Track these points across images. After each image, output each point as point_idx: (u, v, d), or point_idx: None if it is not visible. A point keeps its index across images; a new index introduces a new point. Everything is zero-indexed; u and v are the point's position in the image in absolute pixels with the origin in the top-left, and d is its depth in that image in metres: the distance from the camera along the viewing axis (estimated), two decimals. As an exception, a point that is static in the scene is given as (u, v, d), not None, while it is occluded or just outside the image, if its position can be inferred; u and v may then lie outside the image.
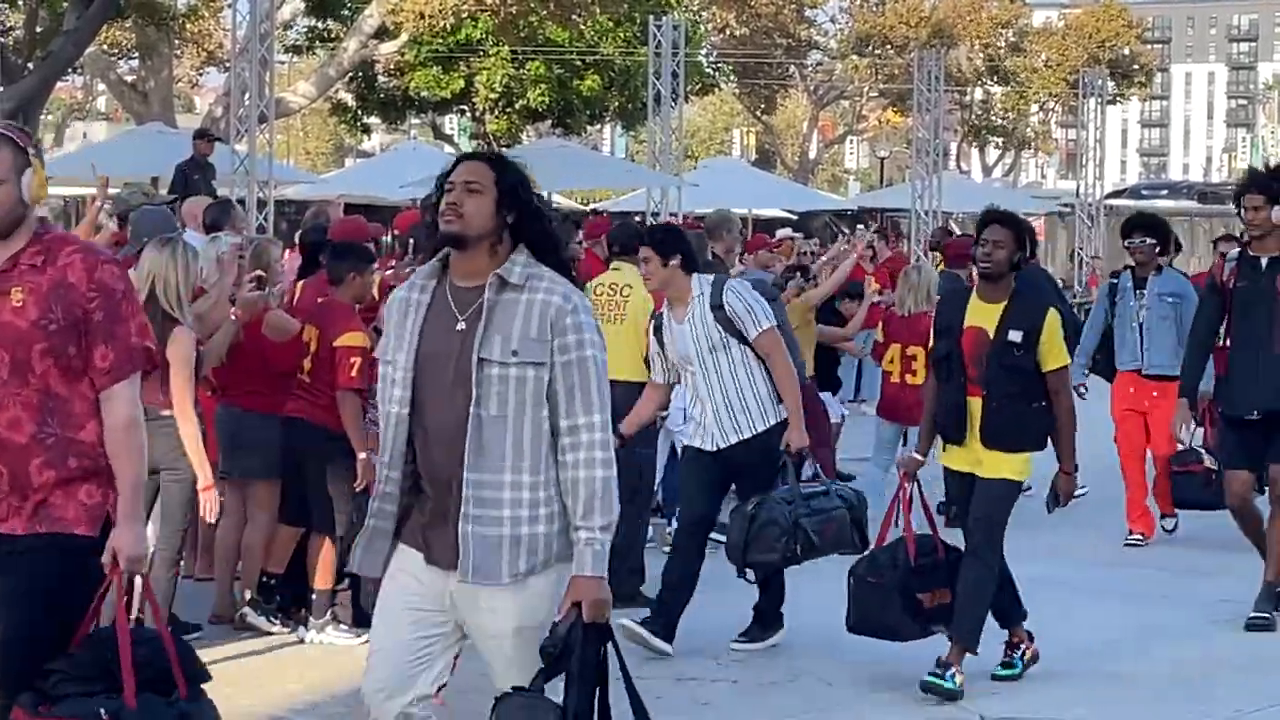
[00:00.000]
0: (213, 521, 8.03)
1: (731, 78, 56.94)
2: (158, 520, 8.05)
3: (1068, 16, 68.59)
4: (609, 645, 4.73)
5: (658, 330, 8.60)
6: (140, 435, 4.93)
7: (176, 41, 35.73)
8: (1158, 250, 11.43)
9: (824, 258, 14.46)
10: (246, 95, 22.43)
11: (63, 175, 29.40)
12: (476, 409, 4.69)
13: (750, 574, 8.37)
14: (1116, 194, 44.50)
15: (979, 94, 65.41)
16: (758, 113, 63.63)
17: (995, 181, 64.86)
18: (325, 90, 33.21)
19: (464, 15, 31.22)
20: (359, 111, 40.38)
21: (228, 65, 28.08)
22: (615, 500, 4.77)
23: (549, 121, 39.82)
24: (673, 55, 27.49)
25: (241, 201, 20.70)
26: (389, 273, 10.20)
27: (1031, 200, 46.06)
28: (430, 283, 4.87)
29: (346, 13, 33.91)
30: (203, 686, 5.06)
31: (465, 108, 40.31)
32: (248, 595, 8.77)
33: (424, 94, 38.10)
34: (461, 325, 4.75)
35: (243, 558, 8.86)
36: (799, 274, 12.55)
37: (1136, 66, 65.12)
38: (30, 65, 22.04)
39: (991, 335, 7.77)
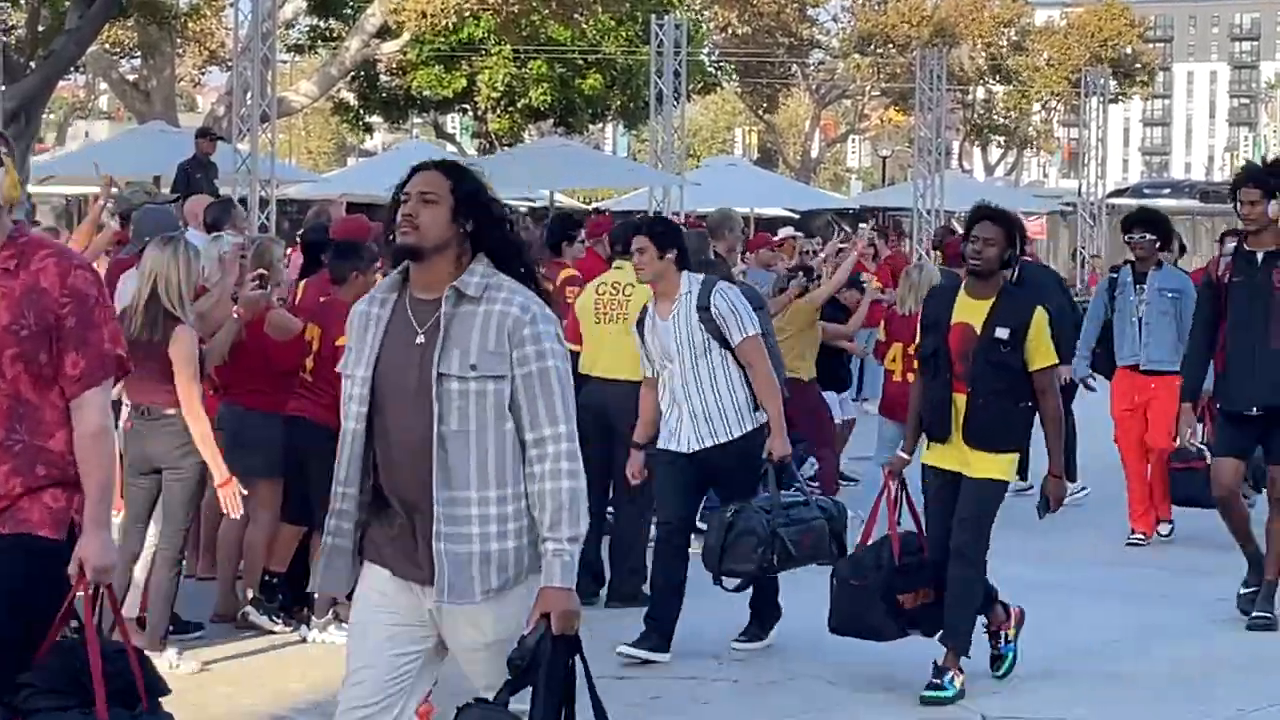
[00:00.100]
0: (237, 516, 8.02)
1: (733, 77, 56.93)
2: (160, 519, 8.06)
3: (1070, 15, 68.54)
4: (577, 658, 4.67)
5: (640, 324, 8.53)
6: (110, 443, 4.83)
7: (178, 40, 35.73)
8: (1157, 245, 11.42)
9: (822, 254, 14.46)
10: (248, 94, 22.43)
11: (65, 174, 29.51)
12: (440, 425, 4.62)
13: (726, 582, 8.29)
14: (1118, 193, 44.49)
15: (981, 93, 65.40)
16: (760, 112, 63.63)
17: (997, 180, 64.84)
18: (327, 89, 33.22)
19: (466, 14, 31.23)
20: (361, 110, 40.39)
21: (230, 64, 28.07)
22: (583, 511, 4.69)
23: (551, 120, 39.82)
24: (675, 54, 27.49)
25: (243, 201, 20.72)
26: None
27: (1033, 199, 46.06)
28: (390, 296, 4.78)
29: (348, 12, 33.93)
30: (160, 700, 4.93)
31: (467, 107, 40.33)
32: (250, 594, 8.78)
33: (426, 93, 38.12)
34: (420, 339, 4.67)
35: (245, 557, 8.87)
36: (802, 273, 12.52)
37: (1138, 65, 65.09)
38: (32, 64, 22.06)
39: (979, 331, 7.71)
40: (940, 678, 7.68)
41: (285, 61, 43.35)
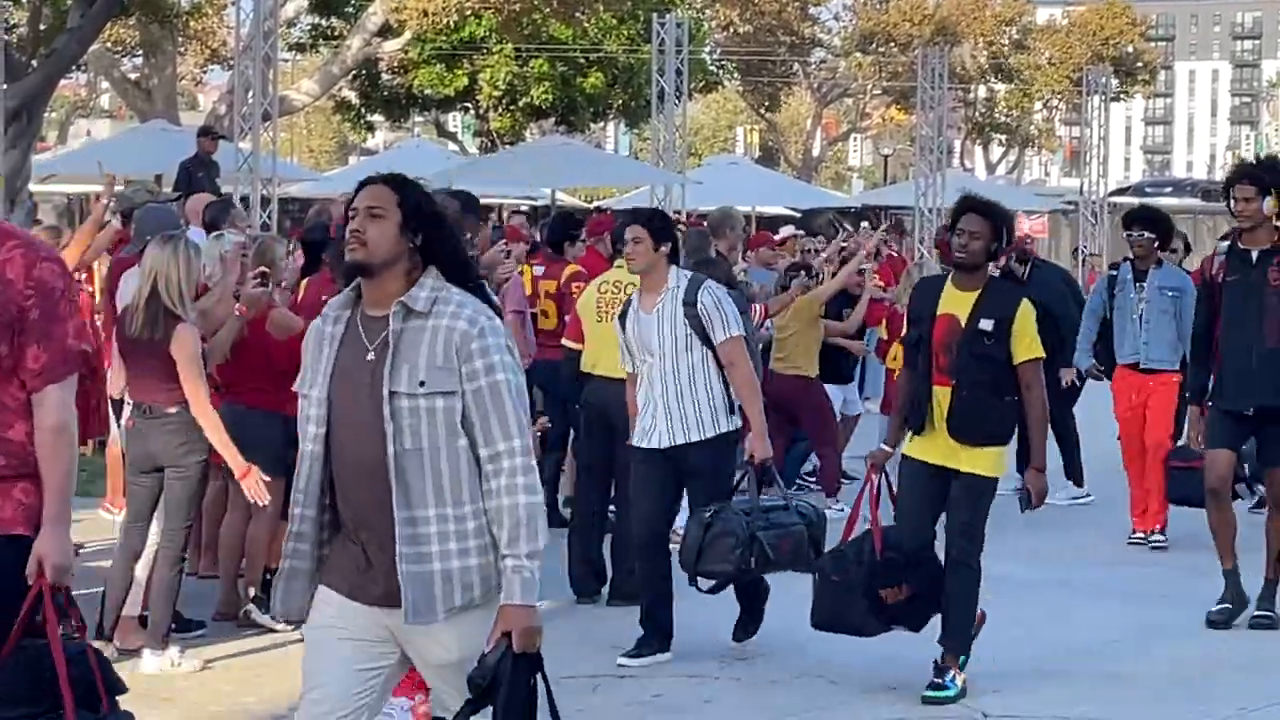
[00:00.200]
0: (265, 503, 8.01)
1: (735, 75, 56.87)
2: (161, 518, 8.07)
3: (1071, 14, 68.52)
4: (539, 677, 4.59)
5: (622, 317, 8.48)
6: (70, 440, 4.75)
7: (180, 39, 35.72)
8: (1156, 244, 11.37)
9: (823, 255, 14.46)
10: (250, 93, 22.43)
11: (66, 173, 29.53)
12: (394, 444, 4.56)
13: (700, 583, 8.21)
14: (1120, 191, 44.42)
15: (983, 91, 65.35)
16: (761, 110, 63.58)
17: (999, 179, 64.72)
18: (329, 88, 33.21)
19: (467, 13, 31.20)
20: (362, 109, 40.38)
21: (231, 63, 28.04)
22: (543, 526, 4.63)
23: (552, 119, 39.80)
24: (676, 53, 27.47)
25: (245, 199, 20.72)
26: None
27: (1035, 198, 46.01)
28: (344, 313, 4.73)
29: (350, 10, 33.92)
30: (118, 699, 4.87)
31: (469, 105, 40.30)
32: (251, 593, 8.78)
33: (427, 91, 38.11)
34: (371, 356, 4.62)
35: (246, 555, 8.88)
36: (803, 272, 12.52)
37: (1140, 64, 65.04)
38: (34, 63, 22.05)
39: (963, 323, 7.64)
40: (942, 677, 7.68)
41: (287, 60, 43.32)
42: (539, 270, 12.04)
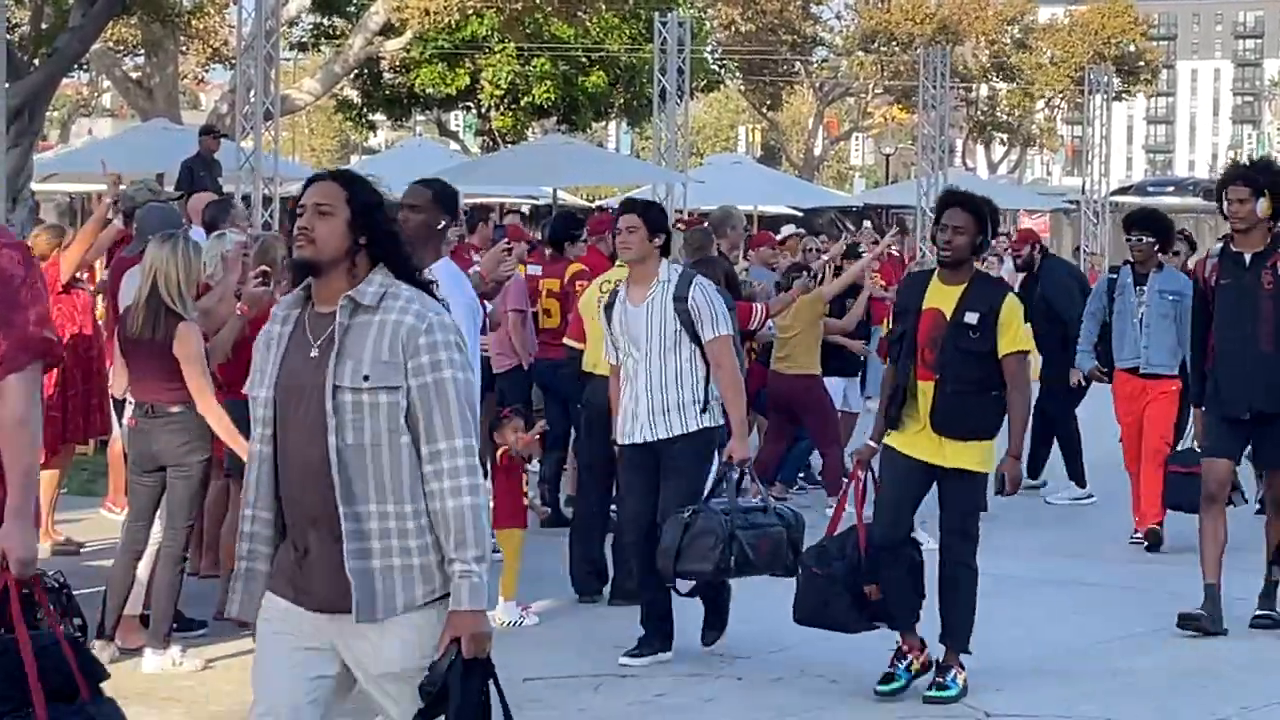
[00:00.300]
0: None
1: (737, 74, 56.89)
2: (163, 517, 8.07)
3: (1073, 13, 68.50)
4: (492, 684, 4.49)
5: (608, 308, 8.40)
6: (34, 430, 4.64)
7: (182, 38, 35.69)
8: (1157, 248, 11.28)
9: (825, 256, 14.45)
10: (252, 92, 22.41)
11: (68, 172, 29.51)
12: (336, 439, 4.49)
13: (680, 585, 8.15)
14: (1122, 191, 44.43)
15: (985, 91, 65.38)
16: (763, 109, 63.59)
17: (1001, 178, 64.76)
18: (330, 87, 33.20)
19: (469, 12, 31.19)
20: (364, 108, 40.38)
21: (233, 62, 28.04)
22: (487, 528, 4.54)
23: (554, 118, 39.77)
24: (678, 52, 27.46)
25: (246, 198, 20.71)
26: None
27: (1037, 197, 46.08)
28: (293, 312, 4.67)
29: (352, 9, 33.91)
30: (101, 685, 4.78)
31: (470, 104, 40.28)
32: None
33: (429, 90, 38.10)
34: (315, 354, 4.56)
35: (248, 554, 8.86)
36: (805, 273, 12.50)
37: (1142, 63, 65.05)
38: (36, 62, 22.03)
39: (948, 317, 7.58)
40: (943, 676, 7.67)
41: (288, 59, 43.31)
42: (534, 270, 12.04)
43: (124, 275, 9.33)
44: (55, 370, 10.52)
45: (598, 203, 37.87)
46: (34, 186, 23.34)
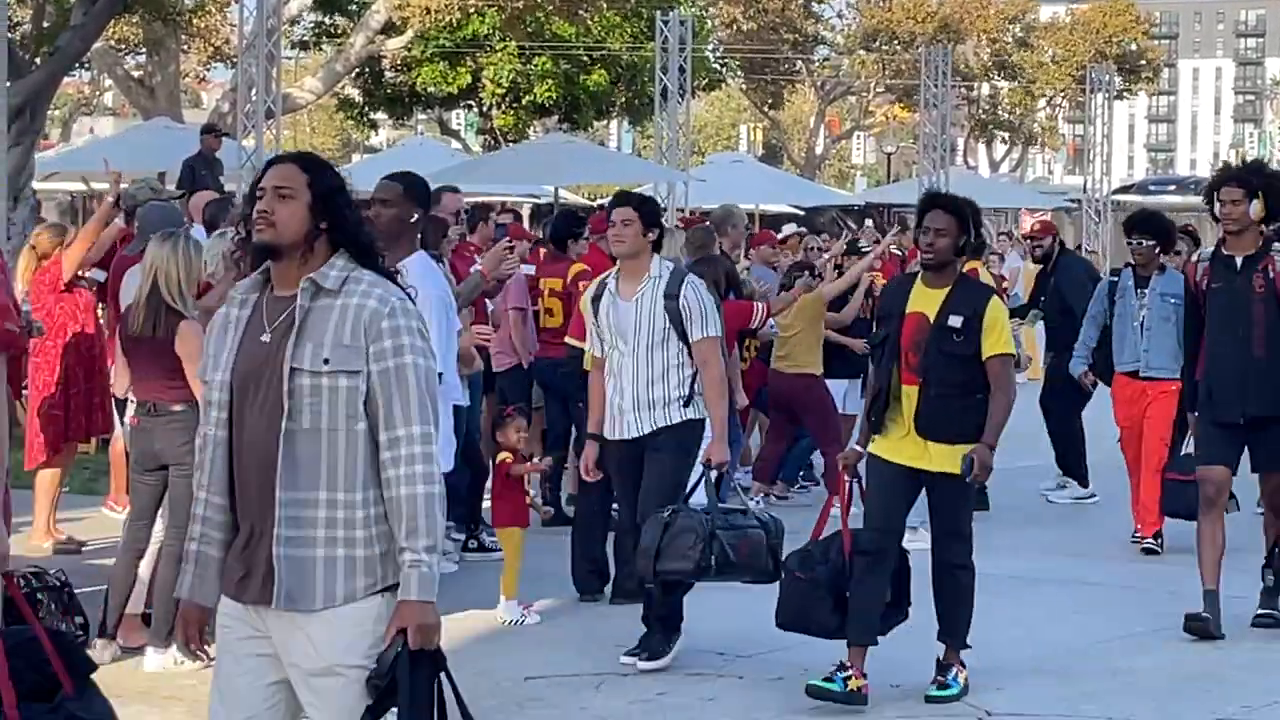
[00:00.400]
0: None
1: (738, 73, 56.90)
2: (165, 516, 8.07)
3: (1075, 12, 68.53)
4: (444, 677, 4.40)
5: (595, 300, 8.34)
6: (1, 423, 4.53)
7: (183, 37, 35.71)
8: (1158, 250, 11.20)
9: (827, 254, 14.45)
10: (253, 91, 22.43)
11: (69, 170, 29.51)
12: (289, 422, 4.40)
13: (654, 588, 8.05)
14: (1124, 189, 44.44)
15: (986, 89, 65.40)
16: (765, 108, 63.62)
17: (1002, 177, 64.74)
18: (332, 86, 33.21)
19: (470, 10, 31.20)
20: (366, 107, 40.37)
21: (235, 61, 28.04)
22: (441, 519, 4.44)
23: (555, 117, 39.77)
24: (680, 50, 27.47)
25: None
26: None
27: (1039, 196, 46.00)
28: (252, 296, 4.59)
29: (353, 8, 33.91)
30: (92, 677, 4.72)
31: (472, 103, 40.28)
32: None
33: (431, 89, 38.09)
34: (267, 338, 4.48)
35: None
36: (807, 272, 12.50)
37: (1144, 62, 65.07)
38: (37, 60, 22.03)
39: (932, 320, 7.51)
40: (945, 675, 7.66)
41: (290, 58, 43.32)
42: (528, 269, 12.04)
43: (125, 274, 9.33)
44: (57, 369, 10.55)
45: (599, 201, 37.86)
46: (35, 185, 23.33)
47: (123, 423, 9.21)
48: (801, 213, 36.42)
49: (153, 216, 9.82)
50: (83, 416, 10.67)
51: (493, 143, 38.90)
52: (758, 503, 12.37)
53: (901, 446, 7.58)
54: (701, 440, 8.25)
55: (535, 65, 37.21)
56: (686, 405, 8.17)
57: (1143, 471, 11.21)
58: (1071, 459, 13.27)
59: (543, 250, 13.20)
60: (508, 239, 11.80)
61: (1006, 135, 69.51)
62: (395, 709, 4.35)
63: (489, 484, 9.88)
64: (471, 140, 45.84)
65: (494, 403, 11.34)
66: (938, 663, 7.70)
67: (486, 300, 10.98)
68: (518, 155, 28.31)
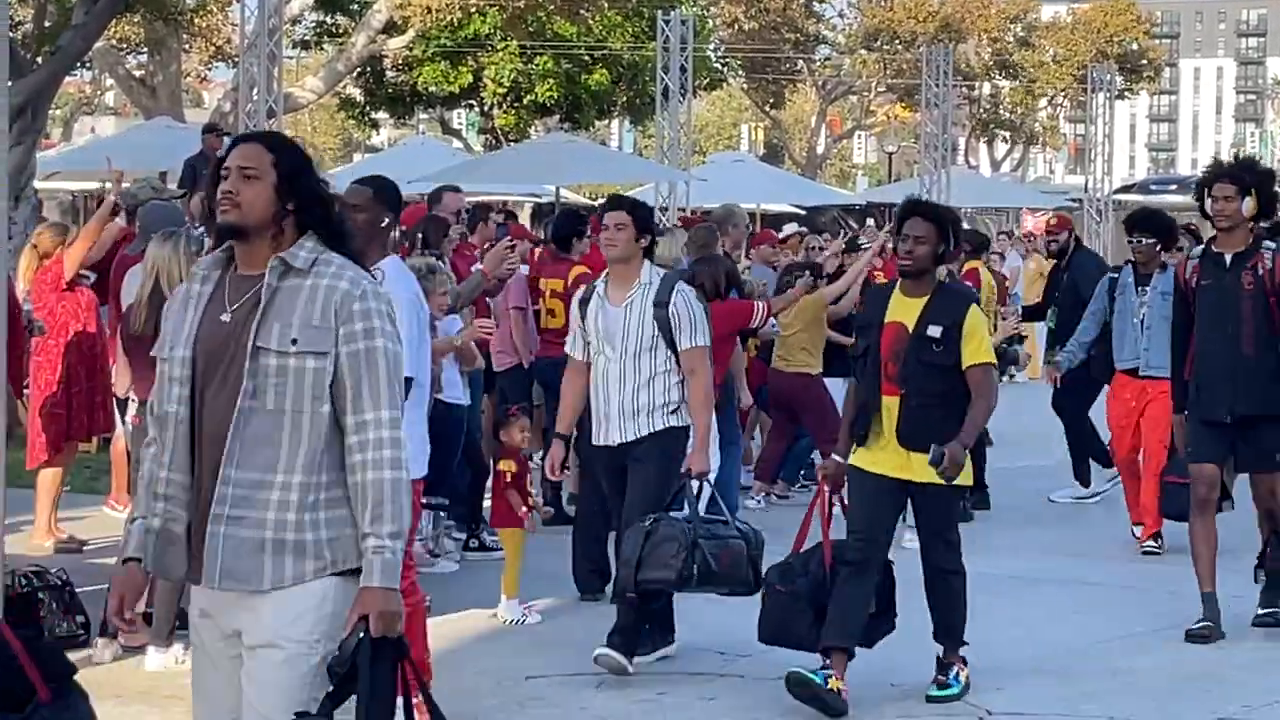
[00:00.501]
0: None
1: (740, 73, 56.89)
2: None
3: (1076, 11, 68.51)
4: (406, 665, 4.35)
5: (583, 303, 8.28)
6: None
7: (185, 36, 35.71)
8: (1159, 249, 11.17)
9: (828, 251, 14.46)
10: (255, 90, 22.41)
11: (71, 170, 29.52)
12: (249, 400, 4.33)
13: (634, 599, 7.96)
14: (1125, 189, 44.39)
15: (987, 89, 65.39)
16: (766, 108, 63.61)
17: (1004, 176, 64.76)
18: (333, 85, 33.20)
19: (472, 10, 31.17)
20: (367, 106, 40.37)
21: (236, 60, 28.05)
22: (407, 505, 4.38)
23: (557, 116, 39.76)
24: (681, 50, 27.46)
25: (249, 196, 20.69)
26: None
27: (1040, 195, 46.06)
28: (214, 273, 4.51)
29: (354, 7, 33.92)
30: (75, 678, 4.65)
31: (473, 102, 40.27)
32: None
33: (432, 89, 38.09)
34: (227, 318, 4.41)
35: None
36: (809, 272, 12.48)
37: (1145, 61, 65.04)
38: (39, 60, 22.03)
39: (910, 330, 7.46)
40: (946, 674, 7.67)
41: (291, 57, 43.32)
42: (524, 270, 12.04)
43: (126, 273, 9.33)
44: (59, 368, 10.57)
45: (600, 200, 37.84)
46: (37, 184, 23.32)
47: (124, 422, 9.22)
48: (803, 212, 36.41)
49: (154, 216, 9.82)
50: (84, 415, 10.68)
51: (494, 142, 38.90)
52: (759, 502, 12.47)
53: (884, 457, 7.52)
54: (684, 447, 8.19)
55: (536, 65, 37.21)
56: (672, 413, 8.13)
57: (1144, 474, 11.19)
58: (1076, 459, 13.18)
59: (541, 250, 13.20)
60: (509, 238, 11.81)
61: (1008, 135, 69.52)
62: (355, 696, 4.30)
63: (489, 483, 9.89)
64: (473, 140, 45.84)
65: (495, 402, 11.36)
66: (938, 662, 7.71)
67: (488, 300, 10.99)
68: (519, 155, 28.30)
